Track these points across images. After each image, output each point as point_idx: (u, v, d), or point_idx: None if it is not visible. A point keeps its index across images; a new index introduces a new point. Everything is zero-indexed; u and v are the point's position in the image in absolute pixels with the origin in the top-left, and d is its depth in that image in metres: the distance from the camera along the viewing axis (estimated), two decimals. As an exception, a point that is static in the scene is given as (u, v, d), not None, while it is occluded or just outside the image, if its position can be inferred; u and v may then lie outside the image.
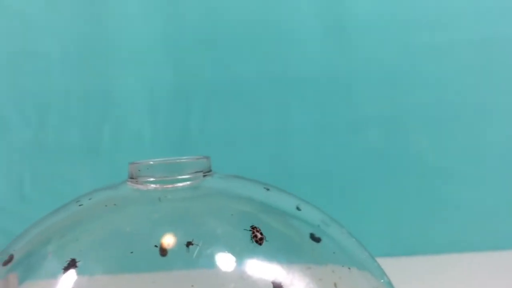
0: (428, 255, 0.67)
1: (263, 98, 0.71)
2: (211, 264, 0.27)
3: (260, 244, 0.27)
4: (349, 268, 0.29)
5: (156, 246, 0.26)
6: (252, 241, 0.27)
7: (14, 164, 0.72)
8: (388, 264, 0.34)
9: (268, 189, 0.31)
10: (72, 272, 0.26)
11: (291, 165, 0.71)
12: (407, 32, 0.69)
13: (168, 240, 0.27)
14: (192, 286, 0.26)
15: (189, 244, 0.26)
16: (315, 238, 0.30)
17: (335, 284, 0.29)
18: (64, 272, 0.26)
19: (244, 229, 0.27)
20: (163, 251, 0.27)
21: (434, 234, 0.68)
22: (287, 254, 0.29)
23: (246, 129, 0.71)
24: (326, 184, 0.70)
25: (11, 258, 0.28)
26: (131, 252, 0.27)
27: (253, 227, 0.28)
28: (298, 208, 0.31)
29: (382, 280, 0.30)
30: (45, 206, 0.71)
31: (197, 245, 0.26)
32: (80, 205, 0.29)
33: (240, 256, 0.27)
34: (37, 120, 0.72)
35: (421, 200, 0.69)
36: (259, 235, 0.28)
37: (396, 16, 0.70)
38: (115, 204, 0.29)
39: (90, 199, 0.30)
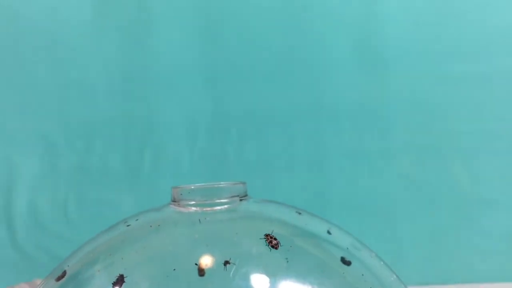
0: (464, 283, 0.66)
1: (298, 126, 0.72)
2: (246, 283, 0.28)
3: (276, 248, 0.29)
4: (377, 290, 0.30)
5: (196, 264, 0.28)
6: (269, 247, 0.29)
7: (59, 187, 0.75)
8: None
9: (300, 213, 0.33)
10: (120, 287, 0.28)
11: (325, 193, 0.71)
12: (441, 61, 0.70)
13: (206, 261, 0.29)
14: (228, 302, 0.28)
15: (226, 263, 0.28)
16: (345, 262, 0.31)
17: (364, 307, 0.30)
18: (113, 287, 0.28)
19: (260, 238, 0.29)
20: (201, 272, 0.29)
21: (470, 263, 0.68)
22: (319, 276, 0.30)
23: (281, 157, 0.72)
24: (360, 212, 0.70)
25: (64, 274, 0.31)
26: (174, 269, 0.29)
27: (267, 235, 0.30)
28: (329, 232, 0.32)
29: (410, 303, 0.31)
30: (88, 228, 0.75)
31: (234, 264, 0.28)
32: (127, 226, 0.32)
33: (273, 276, 0.29)
34: (82, 145, 0.75)
35: (457, 229, 0.69)
36: (274, 241, 0.29)
37: (430, 46, 0.71)
38: (159, 225, 0.31)
39: (136, 220, 0.32)
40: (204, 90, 0.74)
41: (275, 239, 0.30)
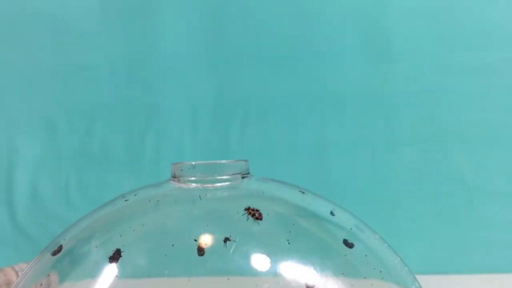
0: (464, 274, 0.65)
1: (302, 113, 0.72)
2: (247, 261, 0.28)
3: (261, 219, 0.28)
4: (380, 271, 0.30)
5: (195, 240, 0.28)
6: (254, 220, 0.28)
7: (61, 169, 0.75)
8: (423, 282, 0.34)
9: (303, 193, 0.33)
10: (117, 262, 0.28)
11: (328, 181, 0.71)
12: (447, 51, 0.69)
13: (206, 240, 0.29)
14: (228, 279, 0.27)
15: (226, 240, 0.28)
16: (348, 244, 0.31)
17: (367, 291, 0.30)
18: (110, 262, 0.28)
19: (242, 215, 0.29)
20: (201, 251, 0.28)
21: (471, 254, 0.67)
22: (321, 258, 0.29)
23: (284, 143, 0.72)
24: (362, 201, 0.70)
25: (60, 248, 0.30)
26: (172, 245, 0.28)
27: (247, 209, 0.29)
28: (332, 213, 0.32)
29: (413, 286, 0.31)
30: (89, 210, 0.75)
31: (234, 241, 0.27)
32: (126, 200, 0.31)
33: (274, 255, 0.28)
34: (84, 128, 0.75)
35: (460, 220, 0.68)
36: (256, 213, 0.29)
37: (436, 35, 0.70)
38: (158, 201, 0.31)
39: (135, 195, 0.32)
40: (208, 76, 0.73)
41: (257, 210, 0.29)
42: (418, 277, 0.34)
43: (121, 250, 0.28)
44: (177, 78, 0.74)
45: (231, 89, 0.73)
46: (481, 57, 0.69)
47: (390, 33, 0.70)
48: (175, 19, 0.73)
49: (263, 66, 0.72)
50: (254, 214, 0.29)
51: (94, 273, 0.28)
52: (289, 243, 0.29)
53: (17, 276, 0.60)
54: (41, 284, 0.29)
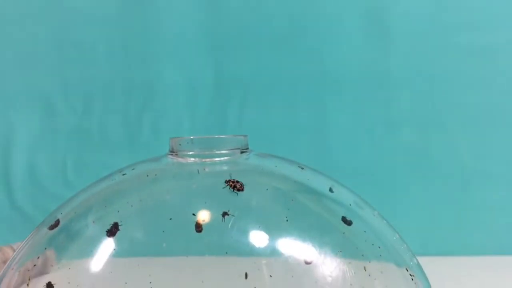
0: (461, 256, 0.66)
1: (301, 93, 0.71)
2: (245, 236, 0.28)
3: (242, 190, 0.28)
4: (379, 247, 0.30)
5: (194, 214, 0.27)
6: (235, 192, 0.28)
7: (58, 149, 0.75)
8: (420, 262, 0.34)
9: (302, 168, 0.32)
10: (114, 236, 0.28)
11: (326, 161, 0.71)
12: (448, 32, 0.69)
13: (203, 216, 0.28)
14: (226, 253, 0.27)
15: (224, 214, 0.27)
16: (346, 221, 0.31)
17: (364, 268, 0.30)
18: (108, 235, 0.27)
19: (223, 188, 0.28)
20: (199, 228, 0.28)
21: (468, 235, 0.67)
22: (319, 234, 0.29)
23: (282, 124, 0.72)
24: (360, 181, 0.70)
25: (57, 223, 0.30)
26: (170, 219, 0.28)
27: (227, 181, 0.28)
28: (331, 190, 0.32)
29: (411, 263, 0.31)
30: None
31: (233, 215, 0.27)
32: (123, 175, 0.31)
33: (273, 231, 0.28)
34: (81, 107, 0.74)
35: (457, 201, 0.69)
36: (237, 184, 0.28)
37: (437, 16, 0.69)
38: (156, 175, 0.30)
39: (133, 169, 0.31)
40: (206, 55, 0.73)
41: (237, 181, 0.29)
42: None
43: (119, 224, 0.27)
44: (175, 57, 0.73)
45: (229, 68, 0.73)
46: (481, 39, 0.68)
47: (390, 13, 0.70)
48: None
49: (262, 45, 0.72)
50: (235, 185, 0.28)
51: (91, 248, 0.28)
52: (287, 219, 0.29)
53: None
54: (38, 258, 0.29)
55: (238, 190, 0.28)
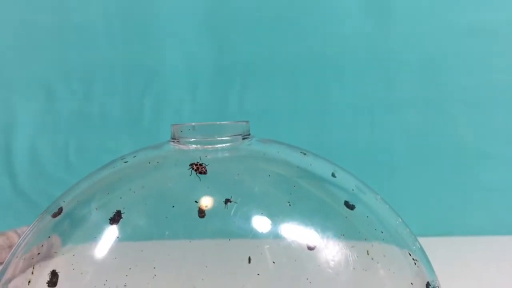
0: (462, 236, 0.66)
1: (302, 76, 0.71)
2: (248, 222, 0.28)
3: (205, 173, 0.28)
4: (382, 232, 0.30)
5: (196, 201, 0.27)
6: (198, 175, 0.28)
7: (60, 133, 0.75)
8: (422, 244, 0.34)
9: (305, 154, 0.32)
10: (117, 224, 0.28)
11: (327, 143, 0.71)
12: (449, 11, 0.68)
13: (206, 202, 0.29)
14: (229, 240, 0.27)
15: (227, 201, 0.27)
16: (349, 205, 0.31)
17: (367, 252, 0.30)
18: (110, 223, 0.28)
19: (188, 169, 0.28)
20: (201, 213, 0.28)
21: (470, 216, 0.68)
22: (322, 219, 0.29)
23: (283, 106, 0.71)
24: (361, 162, 0.70)
25: (60, 210, 0.30)
26: (173, 206, 0.28)
27: (191, 164, 0.28)
28: (333, 175, 0.32)
29: (414, 247, 0.31)
30: (88, 173, 0.75)
31: (235, 202, 0.27)
32: (125, 162, 0.31)
33: (275, 216, 0.28)
34: (82, 91, 0.74)
35: (458, 181, 0.69)
36: (200, 168, 0.28)
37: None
38: (158, 162, 0.30)
39: (134, 156, 0.31)
40: (207, 38, 0.72)
41: (200, 165, 0.28)
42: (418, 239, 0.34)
43: (122, 212, 0.27)
44: (176, 40, 0.73)
45: (230, 51, 0.72)
46: (483, 19, 0.68)
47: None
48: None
49: (262, 28, 0.71)
50: (198, 168, 0.28)
51: (94, 235, 0.28)
52: (290, 204, 0.29)
53: (19, 238, 0.60)
54: (42, 246, 0.29)
55: (200, 173, 0.28)
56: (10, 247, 0.59)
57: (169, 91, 0.73)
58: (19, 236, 0.60)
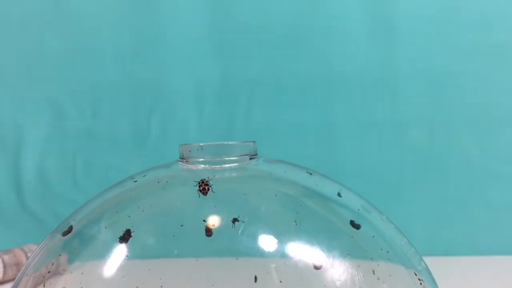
0: (469, 256, 0.66)
1: (308, 94, 0.72)
2: (255, 242, 0.28)
3: (204, 194, 0.28)
4: (387, 252, 0.30)
5: (204, 220, 0.28)
6: (198, 191, 0.29)
7: (68, 151, 0.75)
8: (428, 264, 0.34)
9: (311, 174, 0.33)
10: (127, 242, 0.28)
11: (334, 161, 0.71)
12: (455, 32, 0.69)
13: (213, 221, 0.29)
14: (237, 259, 0.28)
15: (235, 220, 0.28)
16: (355, 225, 0.31)
17: (373, 271, 0.30)
18: (120, 242, 0.28)
19: (195, 184, 0.28)
20: (209, 232, 0.29)
21: (476, 235, 0.67)
22: (328, 238, 0.29)
23: (290, 125, 0.72)
24: (368, 181, 0.70)
25: (70, 229, 0.31)
26: (182, 225, 0.28)
27: (201, 181, 0.29)
28: (339, 194, 0.32)
29: (419, 267, 0.31)
30: (95, 193, 0.75)
31: (243, 221, 0.28)
32: (135, 182, 0.31)
33: (282, 236, 0.28)
34: (90, 110, 0.75)
35: (465, 201, 0.69)
36: (206, 188, 0.29)
37: (444, 16, 0.69)
38: (167, 182, 0.31)
39: (144, 176, 0.32)
40: (213, 56, 0.73)
41: (206, 184, 0.29)
42: (424, 258, 0.34)
43: (131, 231, 0.28)
44: (183, 59, 0.74)
45: (237, 69, 0.73)
46: (487, 38, 0.68)
47: (396, 13, 0.70)
48: (180, 0, 0.73)
49: (269, 47, 0.72)
50: (204, 188, 0.29)
51: (104, 253, 0.29)
52: (296, 223, 0.29)
53: (26, 256, 0.60)
54: (52, 264, 0.29)
55: (201, 192, 0.29)
56: (17, 264, 0.59)
57: (176, 110, 0.74)
58: (26, 253, 0.61)
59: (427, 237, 0.67)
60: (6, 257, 0.59)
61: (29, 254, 0.61)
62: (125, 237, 0.28)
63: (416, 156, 0.70)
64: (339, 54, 0.71)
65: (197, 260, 0.29)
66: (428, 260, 0.34)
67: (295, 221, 0.29)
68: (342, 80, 0.71)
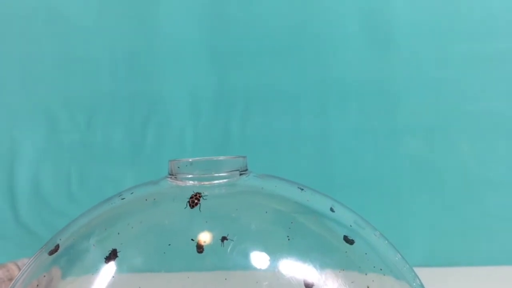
0: (467, 266, 0.65)
1: (304, 103, 0.71)
2: (245, 259, 0.27)
3: (191, 207, 0.28)
4: (381, 269, 0.29)
5: (192, 240, 0.27)
6: (188, 202, 0.28)
7: (62, 163, 0.75)
8: (426, 274, 0.33)
9: (302, 189, 0.32)
10: (113, 262, 0.27)
11: (330, 170, 0.71)
12: (451, 40, 0.69)
13: (205, 238, 0.28)
14: (226, 279, 0.27)
15: (224, 239, 0.27)
16: (348, 240, 0.30)
17: (367, 287, 0.29)
18: (106, 262, 0.27)
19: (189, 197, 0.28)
20: (200, 248, 0.28)
21: (474, 245, 0.67)
22: (320, 255, 0.29)
23: (286, 133, 0.72)
24: (364, 190, 0.70)
25: (57, 248, 0.30)
26: (169, 245, 0.28)
27: (195, 194, 0.28)
28: (332, 210, 0.31)
29: (414, 284, 0.30)
30: (91, 204, 0.74)
31: (232, 240, 0.27)
32: (122, 199, 0.31)
33: (273, 253, 0.28)
34: (84, 121, 0.74)
35: (463, 210, 0.68)
36: (195, 202, 0.28)
37: (440, 24, 0.69)
38: (155, 199, 0.30)
39: (132, 193, 0.31)
40: (208, 66, 0.73)
41: (197, 199, 0.28)
42: (421, 269, 0.33)
43: (117, 250, 0.27)
44: (178, 70, 0.73)
45: (232, 79, 0.73)
46: (483, 47, 0.68)
47: (392, 21, 0.70)
48: (174, 8, 0.73)
49: (264, 56, 0.72)
50: (193, 201, 0.28)
51: (91, 271, 0.28)
52: (289, 239, 0.29)
53: (20, 271, 0.60)
54: (44, 276, 0.29)
55: (189, 204, 0.28)
56: (10, 279, 0.59)
57: (171, 120, 0.73)
58: (19, 268, 0.60)
59: (425, 247, 0.67)
60: (-1, 272, 0.58)
61: (22, 269, 0.60)
62: (111, 257, 0.27)
63: (413, 165, 0.69)
64: (335, 62, 0.71)
65: (188, 277, 0.29)
66: (426, 271, 0.33)
67: (288, 236, 0.29)
68: (338, 89, 0.71)
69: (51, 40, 0.75)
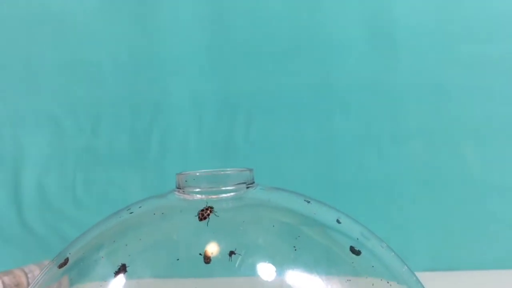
0: (472, 270, 0.65)
1: (307, 108, 0.71)
2: (253, 273, 0.28)
3: (200, 219, 0.28)
4: (388, 282, 0.30)
5: (200, 254, 0.27)
6: (198, 214, 0.28)
7: (67, 168, 0.75)
8: (431, 278, 0.33)
9: (308, 202, 0.32)
10: (122, 276, 0.28)
11: (334, 176, 0.71)
12: (453, 43, 0.69)
13: (212, 249, 0.29)
14: (235, 290, 0.27)
15: (231, 253, 0.27)
16: (355, 251, 0.30)
17: (374, 298, 0.30)
18: (115, 276, 0.28)
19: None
20: (207, 259, 0.28)
21: (479, 249, 0.67)
22: (327, 266, 0.29)
23: (289, 139, 0.72)
24: (369, 195, 0.70)
25: (66, 261, 0.30)
26: (177, 259, 0.28)
27: (206, 208, 0.29)
28: (338, 221, 0.32)
29: (421, 295, 0.31)
30: (96, 209, 0.75)
31: (240, 254, 0.27)
32: (130, 213, 0.31)
33: (280, 266, 0.28)
34: (89, 127, 0.75)
35: (467, 215, 0.68)
36: (204, 215, 0.28)
37: (443, 28, 0.69)
38: (163, 213, 0.31)
39: (140, 207, 0.31)
40: (212, 72, 0.73)
41: (206, 210, 0.29)
42: (426, 274, 0.33)
43: (127, 265, 0.28)
44: (181, 75, 0.73)
45: (235, 84, 0.73)
46: (487, 51, 0.68)
47: (395, 26, 0.69)
48: (177, 14, 0.73)
49: (267, 61, 0.72)
50: (203, 215, 0.29)
51: (100, 284, 0.28)
52: (295, 249, 0.29)
53: (27, 277, 0.60)
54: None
55: (199, 216, 0.28)
56: (17, 285, 0.59)
57: (175, 126, 0.74)
58: (26, 274, 0.60)
59: (429, 252, 0.67)
60: (6, 279, 0.58)
61: (29, 275, 0.60)
62: (120, 272, 0.28)
63: (417, 169, 0.69)
64: (338, 68, 0.71)
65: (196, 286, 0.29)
66: (431, 275, 0.33)
67: (294, 247, 0.29)
68: (341, 94, 0.71)
69: (56, 46, 0.75)
